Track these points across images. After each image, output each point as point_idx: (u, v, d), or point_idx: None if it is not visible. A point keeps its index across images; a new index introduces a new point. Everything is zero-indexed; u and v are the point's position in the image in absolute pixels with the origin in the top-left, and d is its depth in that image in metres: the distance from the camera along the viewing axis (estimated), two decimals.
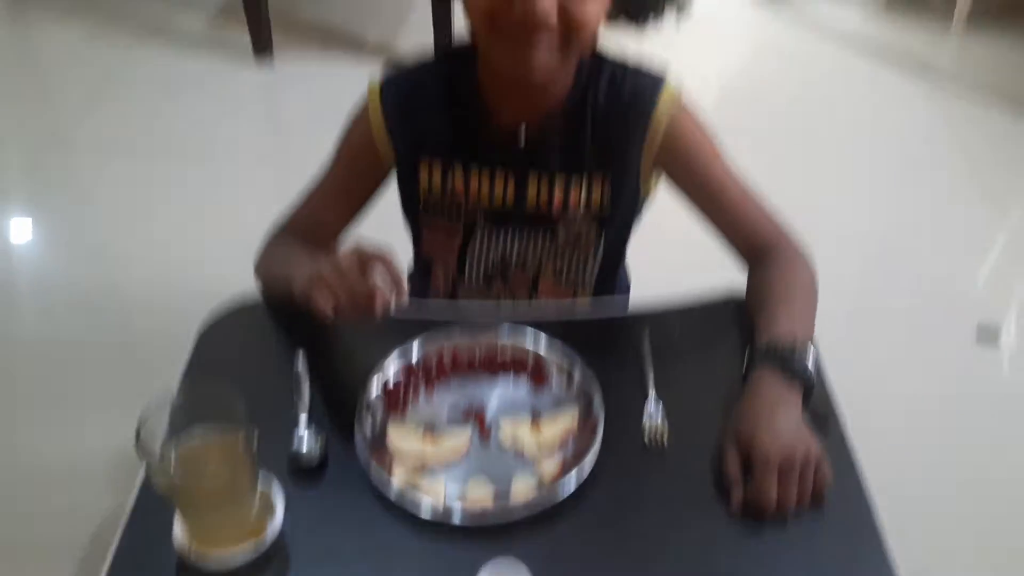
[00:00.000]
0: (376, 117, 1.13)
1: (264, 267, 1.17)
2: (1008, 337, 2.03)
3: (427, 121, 1.13)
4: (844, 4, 3.42)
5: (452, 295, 1.27)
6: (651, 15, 1.07)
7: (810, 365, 0.94)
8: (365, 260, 0.90)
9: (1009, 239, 2.35)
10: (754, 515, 0.85)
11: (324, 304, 0.91)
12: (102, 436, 1.67)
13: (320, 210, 1.19)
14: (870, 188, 2.55)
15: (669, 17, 1.07)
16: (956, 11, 3.26)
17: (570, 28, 0.96)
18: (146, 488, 0.87)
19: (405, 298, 0.92)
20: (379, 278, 0.90)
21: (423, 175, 1.15)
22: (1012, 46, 3.23)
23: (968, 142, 2.72)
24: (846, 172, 2.61)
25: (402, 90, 1.13)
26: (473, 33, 1.05)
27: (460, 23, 1.07)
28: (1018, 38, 3.27)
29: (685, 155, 1.13)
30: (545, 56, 0.98)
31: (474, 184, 1.14)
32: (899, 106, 2.93)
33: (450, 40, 1.02)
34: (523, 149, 1.11)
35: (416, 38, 2.81)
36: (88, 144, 2.63)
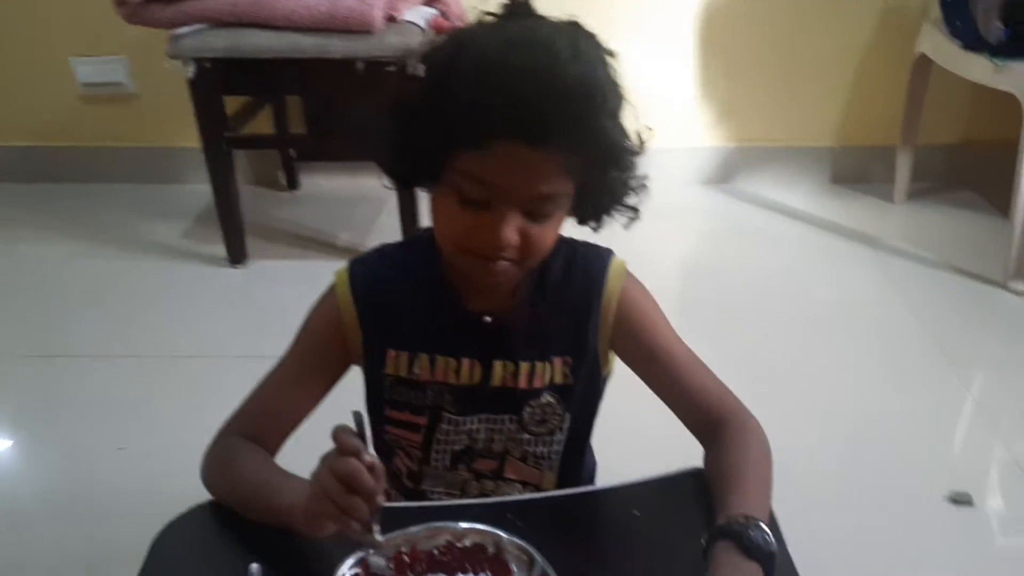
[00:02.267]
0: (346, 303, 1.17)
1: (221, 481, 1.13)
2: (980, 504, 2.02)
3: (395, 310, 1.17)
4: (790, 185, 3.61)
5: (416, 479, 1.27)
6: (603, 221, 1.14)
7: (767, 538, 0.94)
8: (352, 481, 0.91)
9: (976, 407, 2.39)
10: None
11: (339, 530, 0.93)
12: None
13: (277, 401, 1.19)
14: (832, 359, 2.61)
15: (622, 220, 1.15)
16: (896, 188, 3.47)
17: (530, 249, 1.05)
18: None
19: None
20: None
21: (389, 363, 1.18)
22: (950, 217, 3.42)
23: (924, 308, 2.82)
24: (808, 343, 2.68)
25: (370, 277, 1.18)
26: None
27: (425, 224, 1.15)
28: (955, 209, 3.47)
29: (635, 327, 1.18)
30: (505, 271, 1.06)
31: (440, 370, 1.18)
32: (853, 277, 3.04)
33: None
34: (488, 335, 1.16)
35: (385, 240, 2.93)
36: (67, 354, 2.67)
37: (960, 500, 2.00)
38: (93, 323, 2.81)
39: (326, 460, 0.93)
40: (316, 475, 0.94)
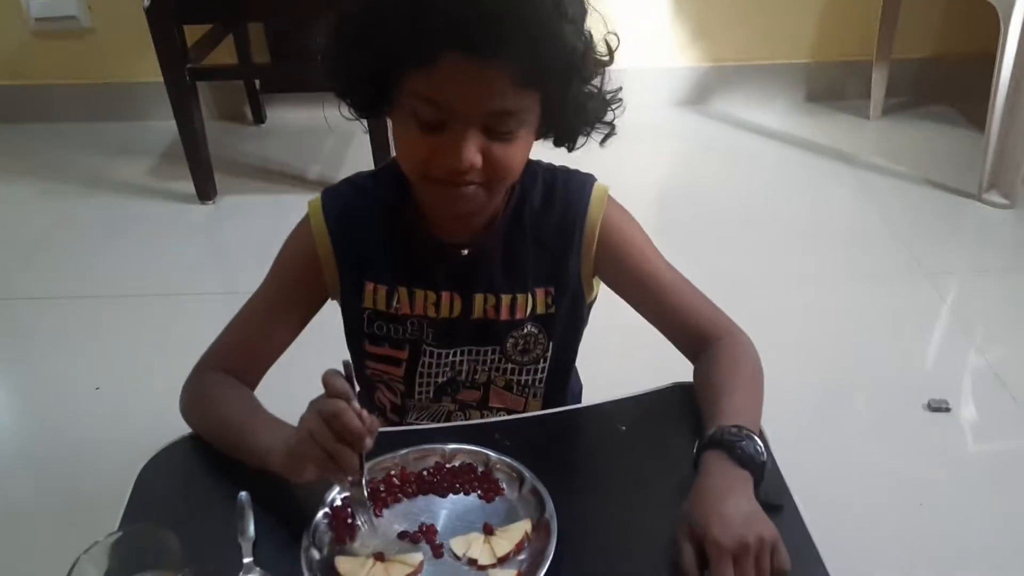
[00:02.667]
0: (320, 233, 1.13)
1: (200, 419, 1.10)
2: (957, 410, 2.05)
3: (369, 241, 1.14)
4: (765, 104, 3.58)
5: (400, 412, 1.26)
6: (578, 141, 1.08)
7: (758, 448, 0.94)
8: (338, 420, 0.88)
9: (949, 314, 2.41)
10: None
11: (321, 475, 0.91)
12: None
13: (253, 335, 1.16)
14: (809, 274, 2.62)
15: (596, 138, 1.10)
16: (871, 104, 3.45)
17: (495, 171, 0.99)
18: None
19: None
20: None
21: (367, 296, 1.15)
22: (925, 131, 3.42)
23: (900, 222, 2.83)
24: (785, 259, 2.69)
25: (343, 208, 1.14)
26: None
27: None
28: (930, 123, 3.46)
29: (620, 253, 1.15)
30: (472, 196, 1.01)
31: (419, 303, 1.15)
32: (829, 193, 3.04)
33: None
34: (467, 267, 1.13)
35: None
36: (30, 294, 2.62)
37: (938, 407, 2.04)
38: (62, 263, 2.76)
39: (314, 404, 0.91)
40: (304, 418, 0.92)
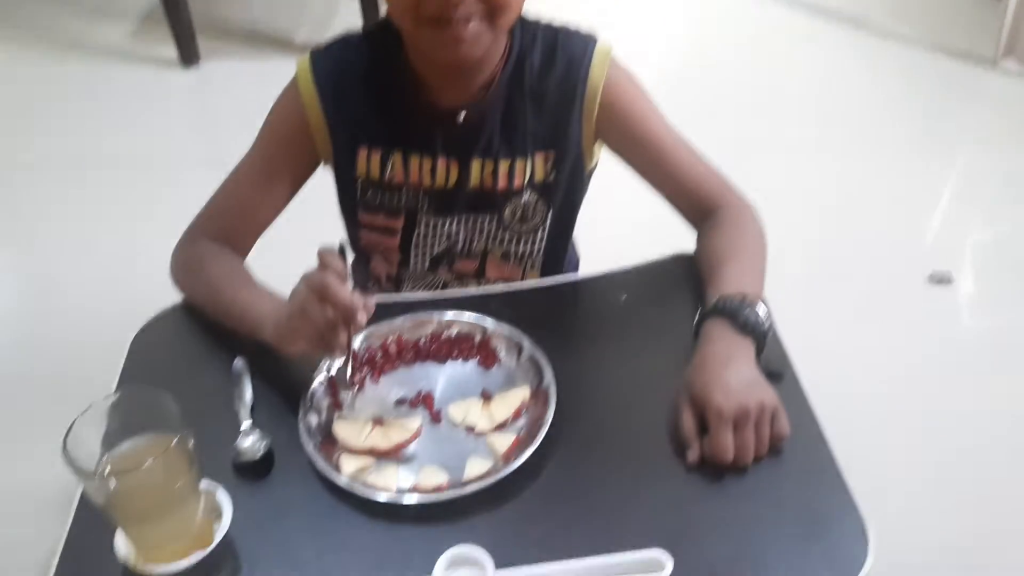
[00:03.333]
0: (309, 95, 1.07)
1: (191, 287, 1.08)
2: (959, 283, 2.05)
3: (361, 105, 1.09)
4: None
5: (396, 282, 1.24)
6: None
7: (761, 316, 0.92)
8: (328, 293, 0.86)
9: (957, 187, 2.37)
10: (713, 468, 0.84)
11: (311, 349, 0.89)
12: (45, 458, 1.61)
13: (242, 201, 1.12)
14: (818, 143, 2.56)
15: None
16: None
17: (492, 4, 0.94)
18: (84, 505, 0.84)
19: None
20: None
21: (361, 162, 1.11)
22: None
23: (910, 89, 2.76)
24: (793, 128, 2.63)
25: (333, 68, 1.08)
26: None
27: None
28: None
29: (623, 116, 1.10)
30: (470, 35, 0.95)
31: (414, 170, 1.10)
32: (838, 58, 2.95)
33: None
34: (463, 132, 1.08)
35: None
36: (13, 163, 2.56)
37: (940, 279, 2.03)
38: (41, 131, 2.68)
39: (307, 278, 0.88)
40: (295, 291, 0.90)
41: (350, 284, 0.87)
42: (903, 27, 3.06)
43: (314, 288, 0.86)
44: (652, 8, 3.08)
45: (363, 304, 0.87)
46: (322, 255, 0.87)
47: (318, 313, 0.86)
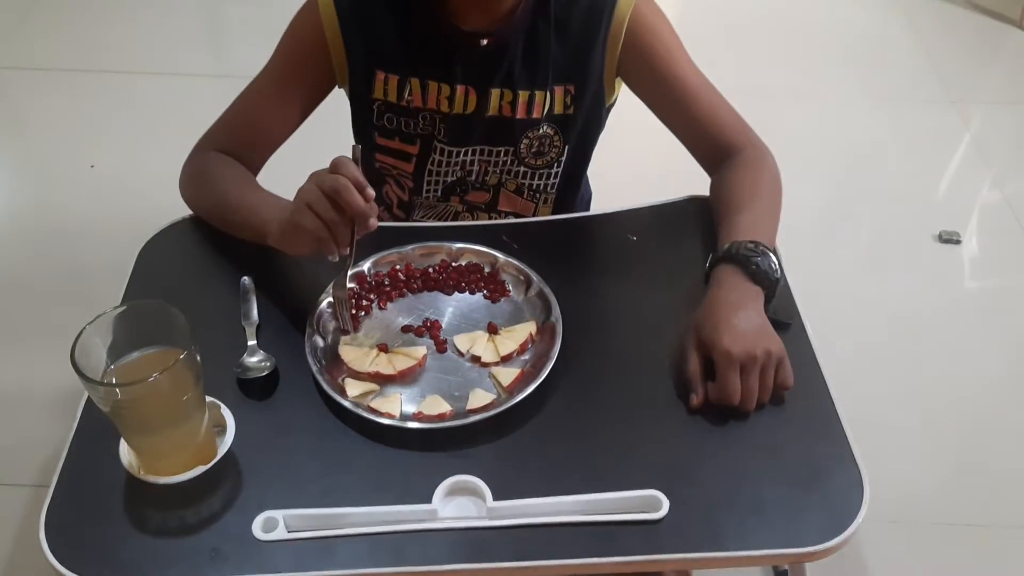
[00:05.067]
0: (329, 15, 1.05)
1: (198, 195, 1.07)
2: (967, 242, 2.04)
3: (382, 27, 1.06)
4: None
5: (407, 208, 1.23)
6: None
7: (772, 266, 0.92)
8: (341, 196, 0.85)
9: (973, 147, 2.34)
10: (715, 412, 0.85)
11: (313, 247, 0.88)
12: (50, 365, 1.63)
13: (255, 115, 1.10)
14: (833, 90, 2.53)
15: None
16: None
17: None
18: (89, 411, 0.84)
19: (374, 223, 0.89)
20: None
21: (378, 86, 1.08)
22: None
23: (932, 44, 2.70)
24: (809, 73, 2.59)
25: None
26: None
27: None
28: None
29: (648, 51, 1.08)
30: None
31: (432, 96, 1.08)
32: (861, 5, 2.88)
33: None
34: (484, 59, 1.06)
35: None
36: (18, 65, 2.51)
37: (948, 239, 2.02)
38: (51, 33, 2.62)
39: (315, 176, 0.87)
40: (302, 188, 0.88)
41: (370, 190, 0.86)
42: None
43: (326, 190, 0.85)
44: None
45: (372, 209, 0.86)
46: (336, 160, 0.86)
47: (326, 208, 0.85)
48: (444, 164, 1.14)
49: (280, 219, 0.92)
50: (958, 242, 2.02)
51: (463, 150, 1.13)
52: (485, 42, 1.05)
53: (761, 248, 0.92)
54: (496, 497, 0.77)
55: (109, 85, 2.45)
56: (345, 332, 0.92)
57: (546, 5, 1.05)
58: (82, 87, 2.44)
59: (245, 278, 0.97)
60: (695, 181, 1.12)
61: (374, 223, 0.88)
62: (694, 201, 1.11)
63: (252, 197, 1.02)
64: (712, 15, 2.82)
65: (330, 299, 0.94)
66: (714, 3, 2.91)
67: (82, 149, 2.22)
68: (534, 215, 1.21)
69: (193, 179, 1.09)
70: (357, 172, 0.86)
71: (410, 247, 1.01)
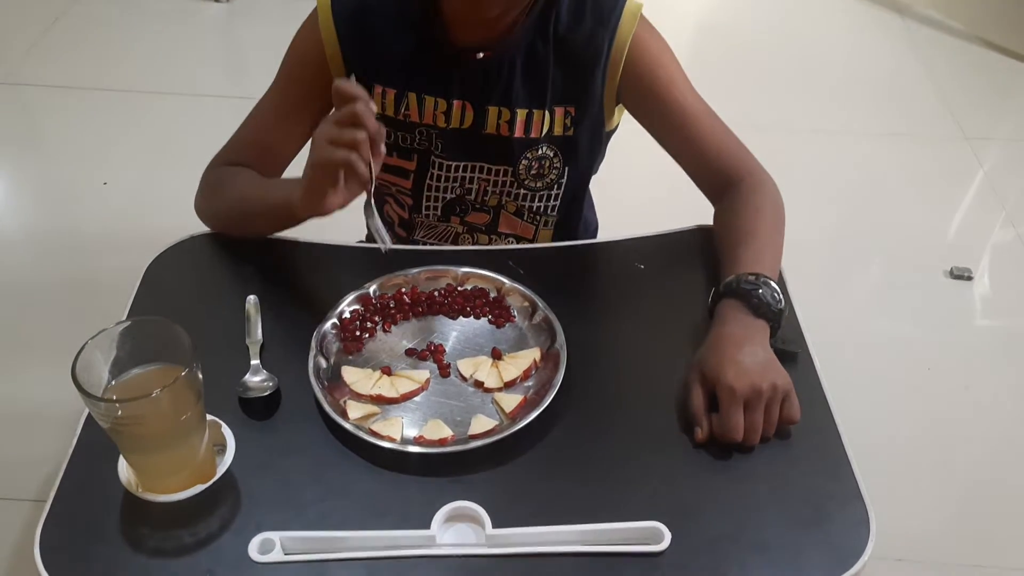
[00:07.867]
0: (328, 31, 1.06)
1: (214, 202, 1.09)
2: (979, 278, 2.03)
3: (379, 42, 1.07)
4: None
5: (408, 227, 1.23)
6: None
7: (776, 296, 0.91)
8: (357, 118, 0.86)
9: (986, 184, 2.34)
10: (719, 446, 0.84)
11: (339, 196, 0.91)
12: (55, 380, 1.63)
13: (264, 137, 1.11)
14: (845, 125, 2.53)
15: None
16: None
17: None
18: (89, 427, 0.84)
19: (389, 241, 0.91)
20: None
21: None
22: None
23: (946, 80, 2.70)
24: (822, 108, 2.59)
25: (354, 6, 1.07)
26: None
27: None
28: None
29: (648, 76, 1.07)
30: None
31: (429, 112, 1.09)
32: (875, 44, 2.89)
33: None
34: (481, 75, 1.06)
35: None
36: (40, 82, 2.54)
37: (960, 275, 2.01)
38: (70, 52, 2.66)
39: (325, 120, 0.89)
40: (317, 131, 0.89)
41: (373, 105, 0.87)
42: (945, 16, 2.99)
43: (342, 117, 0.86)
44: None
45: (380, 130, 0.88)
46: (339, 86, 0.87)
47: (345, 132, 0.86)
48: (442, 179, 1.14)
49: (303, 178, 0.92)
50: (970, 279, 2.00)
51: (461, 165, 1.13)
52: (481, 55, 1.05)
53: (763, 279, 0.92)
54: (496, 524, 0.77)
55: (124, 103, 2.48)
56: (383, 245, 0.93)
57: (546, 26, 1.05)
58: (98, 105, 2.47)
59: (251, 297, 0.97)
60: (704, 208, 1.12)
61: (383, 150, 0.89)
62: (701, 231, 1.10)
63: (269, 183, 1.05)
64: (726, 49, 2.84)
65: (335, 320, 0.94)
66: (728, 38, 2.93)
67: (96, 166, 2.24)
68: (534, 238, 1.20)
69: (208, 189, 1.10)
70: (365, 92, 0.87)
71: (416, 270, 1.01)
